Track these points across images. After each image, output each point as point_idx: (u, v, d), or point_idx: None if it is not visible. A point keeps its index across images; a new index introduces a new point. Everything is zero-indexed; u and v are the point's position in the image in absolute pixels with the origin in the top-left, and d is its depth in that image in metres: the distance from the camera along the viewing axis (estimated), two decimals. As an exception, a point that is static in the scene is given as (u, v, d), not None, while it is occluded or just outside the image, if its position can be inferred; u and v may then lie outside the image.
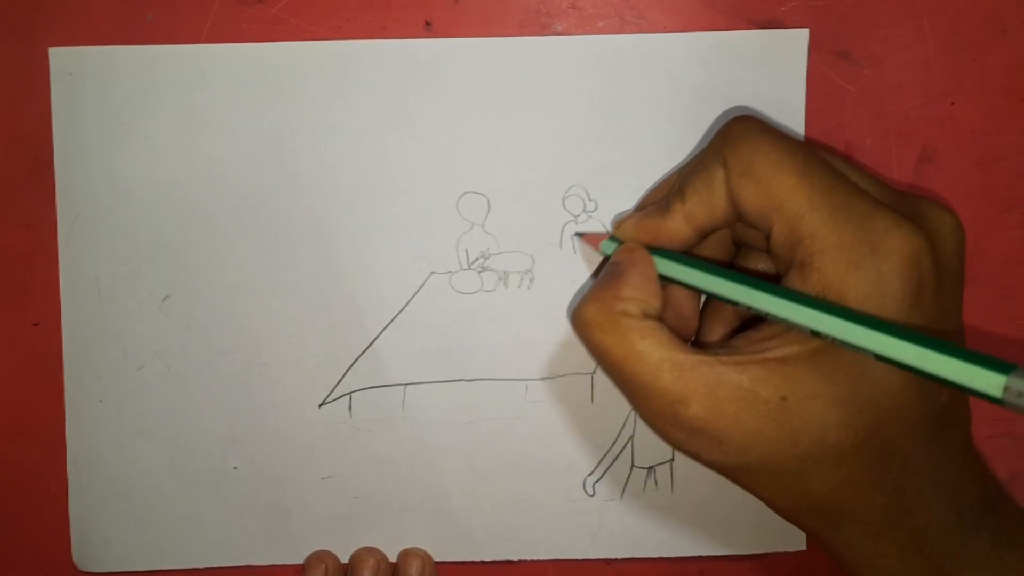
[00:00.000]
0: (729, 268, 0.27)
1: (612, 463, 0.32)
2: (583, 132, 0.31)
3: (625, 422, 0.32)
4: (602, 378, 0.32)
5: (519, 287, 0.32)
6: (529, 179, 0.32)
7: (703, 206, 0.26)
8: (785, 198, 0.23)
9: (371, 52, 0.31)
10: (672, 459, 0.32)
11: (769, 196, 0.24)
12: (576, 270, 0.32)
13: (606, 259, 0.29)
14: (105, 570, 0.33)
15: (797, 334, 0.23)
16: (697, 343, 0.29)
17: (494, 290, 0.32)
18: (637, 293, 0.26)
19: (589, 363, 0.32)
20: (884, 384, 0.23)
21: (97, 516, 0.33)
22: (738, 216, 0.25)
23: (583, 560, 0.33)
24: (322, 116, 0.31)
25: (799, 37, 0.31)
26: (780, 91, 0.31)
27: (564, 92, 0.31)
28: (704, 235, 0.27)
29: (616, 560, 0.33)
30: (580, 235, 0.32)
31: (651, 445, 0.32)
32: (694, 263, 0.26)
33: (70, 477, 0.32)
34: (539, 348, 0.32)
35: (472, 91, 0.31)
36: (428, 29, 0.31)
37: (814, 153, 0.24)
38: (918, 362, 0.21)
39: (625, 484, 0.33)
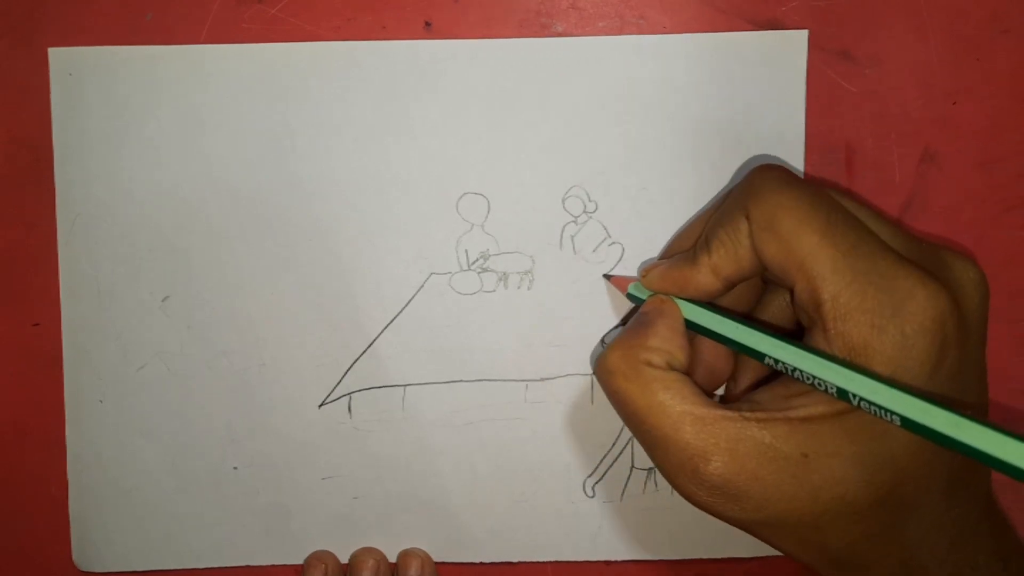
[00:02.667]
0: (755, 320, 0.27)
1: (612, 464, 0.32)
2: (583, 132, 0.31)
3: (625, 423, 0.32)
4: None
5: (519, 288, 0.32)
6: (529, 179, 0.31)
7: (730, 258, 0.25)
8: (806, 256, 0.23)
9: (371, 52, 0.31)
10: (672, 460, 0.32)
11: (790, 253, 0.23)
12: (576, 271, 0.32)
13: (635, 308, 0.29)
14: (105, 570, 0.33)
15: (822, 395, 0.23)
16: (723, 394, 0.29)
17: (494, 291, 0.32)
18: (663, 344, 0.26)
19: (589, 364, 0.32)
20: (904, 443, 0.23)
21: (97, 516, 0.33)
22: (765, 267, 0.25)
23: (582, 562, 0.33)
24: (322, 116, 0.31)
25: (799, 37, 0.31)
26: (780, 92, 0.31)
27: (564, 92, 0.31)
28: (732, 285, 0.27)
29: (615, 562, 0.33)
30: (608, 277, 0.31)
31: (651, 446, 0.32)
32: (724, 314, 0.26)
33: (70, 477, 0.32)
34: (539, 349, 0.32)
35: (472, 92, 0.31)
36: (428, 29, 0.31)
37: (837, 206, 0.24)
38: (951, 430, 0.20)
39: (625, 485, 0.32)
